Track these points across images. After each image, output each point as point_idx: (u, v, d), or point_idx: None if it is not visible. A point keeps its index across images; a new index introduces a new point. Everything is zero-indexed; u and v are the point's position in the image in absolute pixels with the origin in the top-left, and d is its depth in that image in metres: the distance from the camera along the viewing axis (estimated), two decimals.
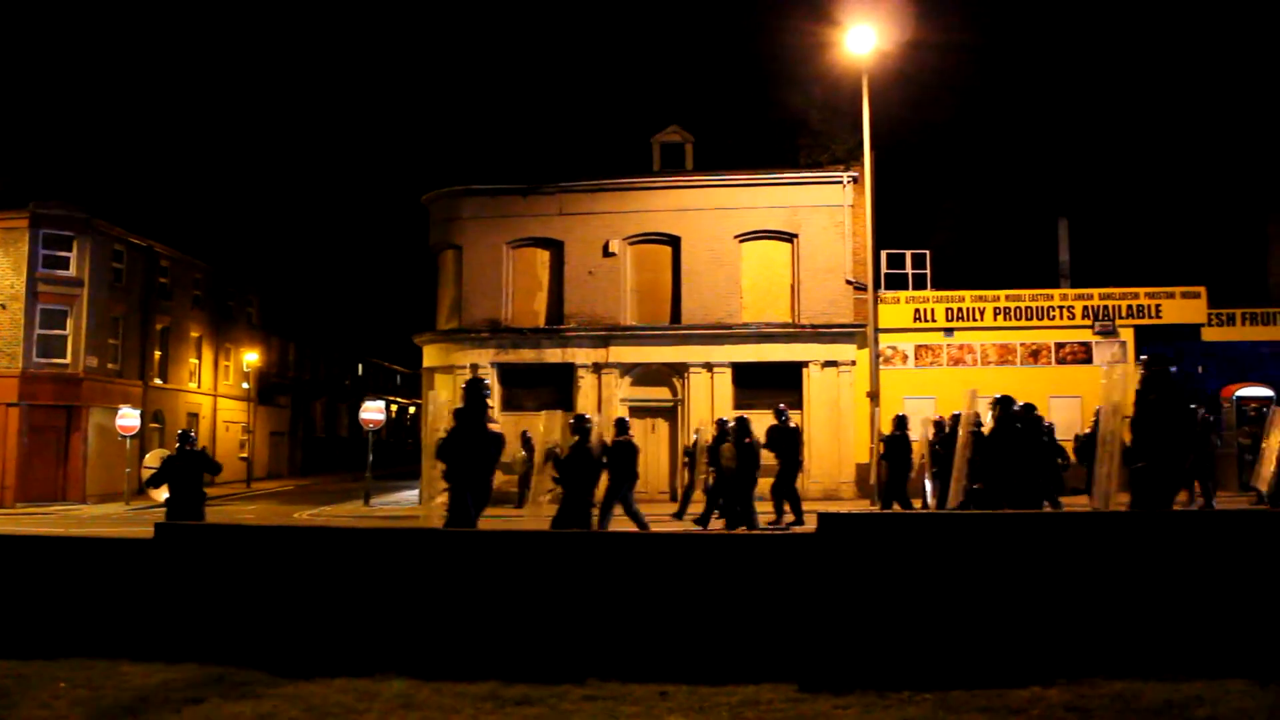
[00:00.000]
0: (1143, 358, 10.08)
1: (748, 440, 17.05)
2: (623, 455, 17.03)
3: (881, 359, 26.06)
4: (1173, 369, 10.06)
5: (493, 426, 10.39)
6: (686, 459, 22.96)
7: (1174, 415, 9.74)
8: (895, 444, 18.42)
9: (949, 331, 27.79)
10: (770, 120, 30.27)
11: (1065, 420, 21.66)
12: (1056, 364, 27.46)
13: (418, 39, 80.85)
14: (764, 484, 18.54)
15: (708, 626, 7.14)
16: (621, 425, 17.94)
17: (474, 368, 28.23)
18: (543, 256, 29.06)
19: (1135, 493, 9.82)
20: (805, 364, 27.23)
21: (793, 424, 19.74)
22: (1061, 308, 27.66)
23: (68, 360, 34.54)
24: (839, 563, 6.94)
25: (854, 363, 27.00)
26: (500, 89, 38.90)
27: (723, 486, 17.85)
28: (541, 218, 28.91)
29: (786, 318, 27.88)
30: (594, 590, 7.38)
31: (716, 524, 18.10)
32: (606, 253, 28.35)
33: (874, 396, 24.59)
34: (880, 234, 27.06)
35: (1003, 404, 12.66)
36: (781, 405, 20.17)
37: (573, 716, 6.21)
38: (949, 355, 27.77)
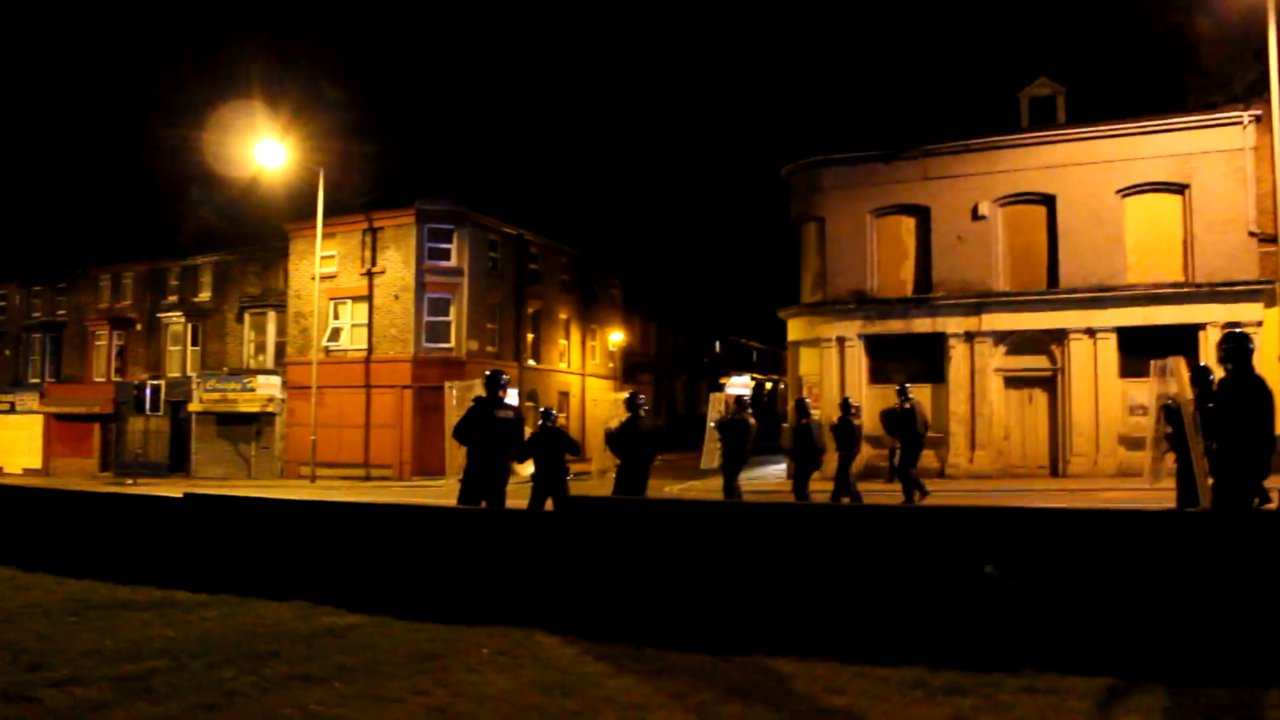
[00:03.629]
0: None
1: (805, 421, 17.59)
2: (735, 433, 17.05)
3: None
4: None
5: (503, 413, 11.33)
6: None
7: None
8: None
9: None
10: (1150, 63, 27.89)
11: None
12: None
13: (774, 15, 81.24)
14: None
15: (1175, 614, 6.23)
16: (740, 403, 17.84)
17: (840, 340, 27.93)
18: (907, 224, 28.22)
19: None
20: (1201, 326, 24.59)
21: (908, 405, 17.84)
22: None
23: (451, 344, 37.44)
24: None
25: (1260, 324, 24.05)
26: (857, 56, 38.18)
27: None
28: (905, 184, 28.11)
29: (1178, 276, 25.53)
30: (1031, 568, 6.61)
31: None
32: (975, 216, 27.10)
33: None
34: None
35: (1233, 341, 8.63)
36: (905, 385, 18.39)
37: (1012, 709, 5.58)
38: None
